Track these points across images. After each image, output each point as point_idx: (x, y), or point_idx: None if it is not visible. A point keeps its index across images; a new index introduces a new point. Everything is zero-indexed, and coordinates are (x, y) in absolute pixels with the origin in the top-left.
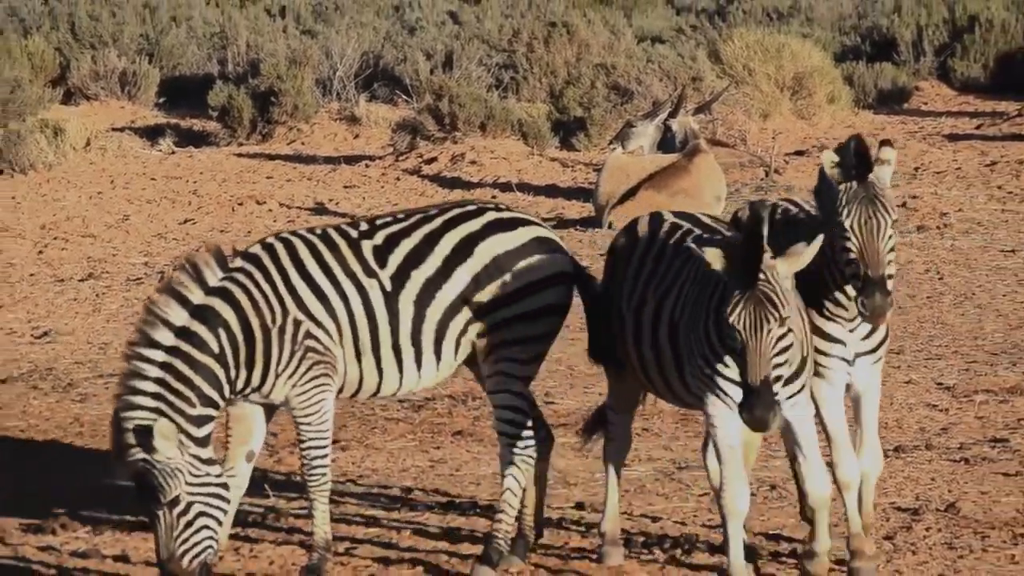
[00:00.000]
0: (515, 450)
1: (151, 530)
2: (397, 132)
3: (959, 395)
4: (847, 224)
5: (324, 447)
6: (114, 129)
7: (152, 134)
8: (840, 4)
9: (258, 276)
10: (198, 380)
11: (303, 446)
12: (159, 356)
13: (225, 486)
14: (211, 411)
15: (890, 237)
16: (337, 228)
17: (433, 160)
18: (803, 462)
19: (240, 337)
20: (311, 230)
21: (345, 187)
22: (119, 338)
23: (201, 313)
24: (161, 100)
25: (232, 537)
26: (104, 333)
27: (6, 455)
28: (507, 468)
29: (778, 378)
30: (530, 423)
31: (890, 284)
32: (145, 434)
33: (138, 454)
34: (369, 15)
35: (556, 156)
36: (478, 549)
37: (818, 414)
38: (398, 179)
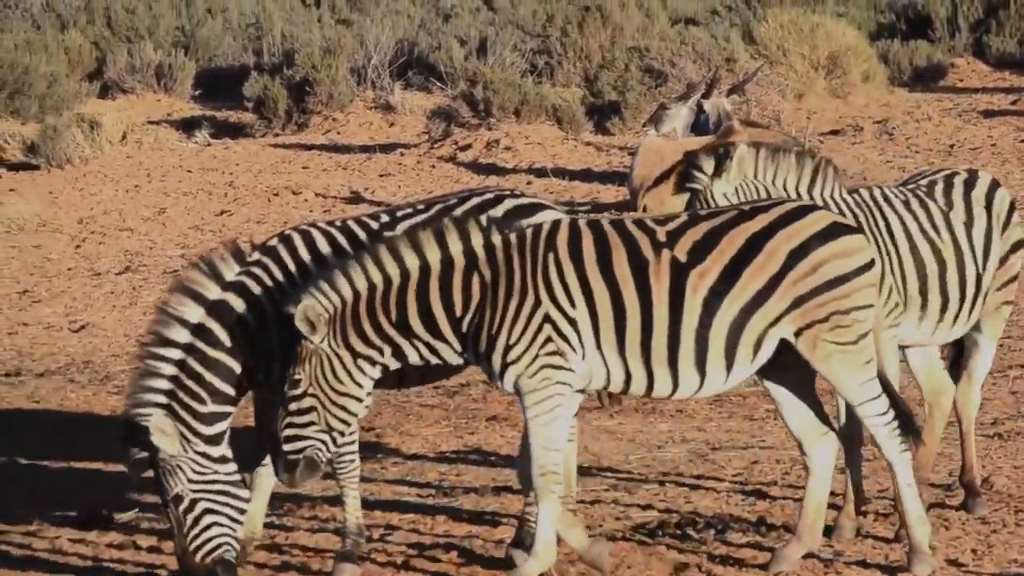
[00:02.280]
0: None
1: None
2: (432, 119)
3: (993, 371)
4: None
5: (351, 434)
6: (150, 122)
7: (188, 126)
8: None
9: (274, 269)
10: (210, 376)
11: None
12: (175, 355)
13: (239, 484)
14: (225, 407)
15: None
16: (357, 219)
17: (468, 147)
18: None
19: (255, 330)
20: (331, 222)
21: (381, 175)
22: None
23: (216, 309)
24: (197, 92)
25: (266, 525)
26: (140, 325)
27: (44, 448)
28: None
29: None
30: None
31: None
32: (144, 432)
33: (140, 452)
34: (404, 3)
35: (591, 140)
36: (512, 533)
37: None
38: (433, 167)
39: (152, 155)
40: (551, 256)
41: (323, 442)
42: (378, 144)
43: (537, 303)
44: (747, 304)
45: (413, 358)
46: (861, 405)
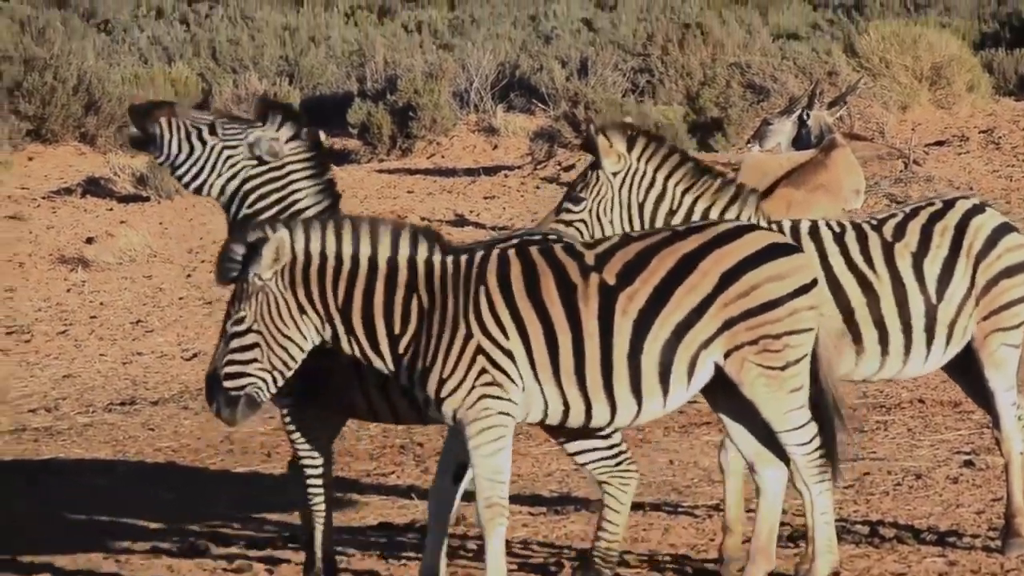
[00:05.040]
0: None
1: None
2: (535, 141)
3: None
4: None
5: None
6: None
7: None
8: None
9: None
10: None
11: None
12: None
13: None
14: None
15: None
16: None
17: (571, 167)
18: None
19: None
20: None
21: (485, 198)
22: None
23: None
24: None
25: (378, 544)
26: None
27: (159, 475)
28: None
29: None
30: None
31: None
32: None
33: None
34: (505, 26)
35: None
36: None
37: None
38: (537, 188)
39: None
40: (481, 288)
41: (264, 380)
42: (482, 167)
43: (469, 335)
44: (679, 325)
45: (347, 350)
46: (783, 433)
